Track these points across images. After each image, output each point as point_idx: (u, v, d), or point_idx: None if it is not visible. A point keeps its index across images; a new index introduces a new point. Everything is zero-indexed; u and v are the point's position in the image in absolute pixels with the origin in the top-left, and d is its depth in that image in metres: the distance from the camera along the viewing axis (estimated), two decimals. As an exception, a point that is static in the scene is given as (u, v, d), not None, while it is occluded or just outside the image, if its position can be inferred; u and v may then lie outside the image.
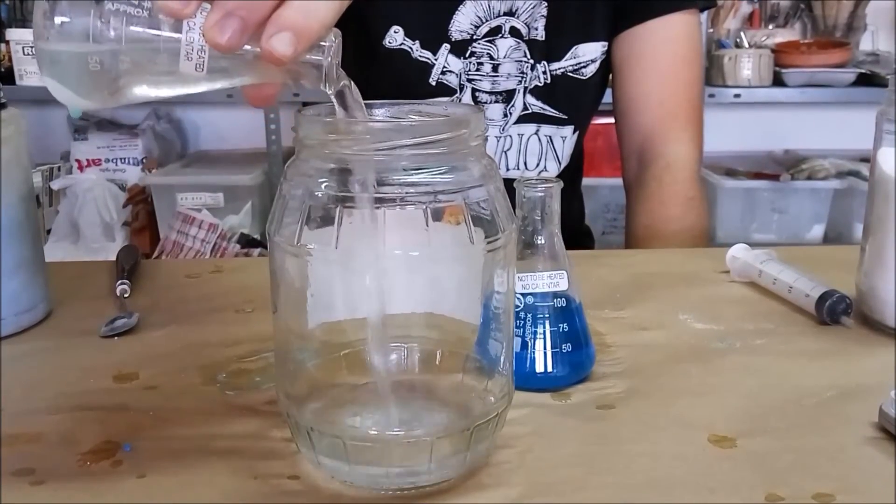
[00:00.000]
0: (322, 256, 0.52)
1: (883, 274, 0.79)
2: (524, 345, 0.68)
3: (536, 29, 1.23)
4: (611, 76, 1.34)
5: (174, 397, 0.68)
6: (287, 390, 0.57)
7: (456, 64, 1.23)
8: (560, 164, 1.32)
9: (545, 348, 0.68)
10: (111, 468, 0.58)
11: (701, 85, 1.38)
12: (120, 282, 0.91)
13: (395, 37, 1.23)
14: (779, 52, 2.77)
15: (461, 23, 1.22)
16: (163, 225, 2.68)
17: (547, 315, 0.68)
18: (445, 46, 1.23)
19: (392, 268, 0.53)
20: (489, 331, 0.57)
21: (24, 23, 2.83)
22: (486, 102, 1.25)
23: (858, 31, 2.90)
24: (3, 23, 2.88)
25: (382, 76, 1.24)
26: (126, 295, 0.89)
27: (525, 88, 1.25)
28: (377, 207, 0.51)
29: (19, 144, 0.81)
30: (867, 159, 0.83)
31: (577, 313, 0.70)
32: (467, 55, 1.23)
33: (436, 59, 1.23)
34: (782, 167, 2.75)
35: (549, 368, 0.68)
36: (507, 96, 1.25)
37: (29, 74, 2.77)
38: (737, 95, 2.69)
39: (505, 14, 1.22)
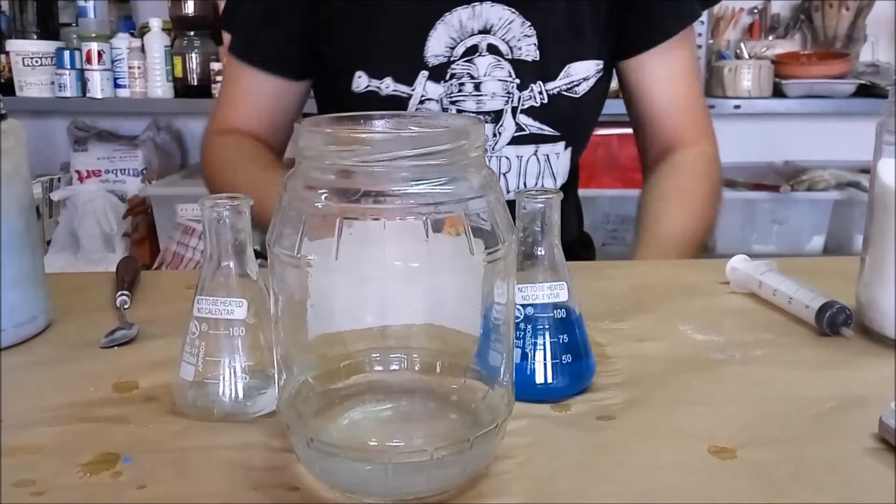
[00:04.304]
0: (322, 267, 0.52)
1: (883, 285, 0.79)
2: (524, 356, 0.68)
3: (520, 48, 1.23)
4: (622, 94, 1.37)
5: (174, 408, 0.68)
6: (287, 401, 0.57)
7: (436, 90, 1.23)
8: (556, 180, 1.32)
9: (545, 359, 0.68)
10: (111, 479, 0.57)
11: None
12: (120, 293, 0.91)
13: (360, 81, 1.23)
14: (779, 62, 2.78)
15: (435, 48, 1.22)
16: (163, 236, 2.68)
17: (547, 326, 0.68)
18: (423, 74, 1.22)
19: (392, 279, 0.53)
20: (489, 342, 0.57)
21: (23, 34, 2.83)
22: None
23: (858, 42, 2.91)
24: (3, 34, 2.89)
25: None
26: (126, 306, 0.89)
27: (514, 108, 1.25)
28: (377, 219, 0.51)
29: (19, 155, 0.81)
30: (867, 170, 0.83)
31: (577, 324, 0.70)
32: (447, 78, 1.23)
33: (412, 90, 1.23)
34: (782, 178, 2.76)
35: (549, 379, 0.68)
36: (496, 116, 1.25)
37: (29, 85, 2.77)
38: (737, 106, 2.70)
39: (480, 32, 1.22)
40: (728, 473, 0.58)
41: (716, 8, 2.93)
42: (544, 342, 0.68)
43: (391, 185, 0.51)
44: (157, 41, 2.74)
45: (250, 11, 1.29)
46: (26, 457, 0.60)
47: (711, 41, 2.88)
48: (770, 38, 2.99)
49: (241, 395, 0.66)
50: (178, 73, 2.77)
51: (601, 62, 1.28)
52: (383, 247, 0.51)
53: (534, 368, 0.68)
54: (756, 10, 3.03)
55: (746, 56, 2.85)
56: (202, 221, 0.67)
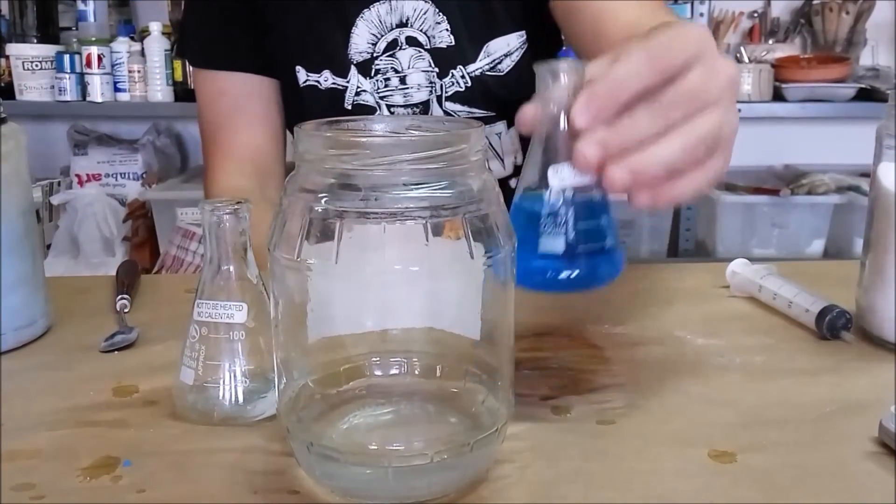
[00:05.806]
0: (322, 271, 0.52)
1: (883, 289, 0.79)
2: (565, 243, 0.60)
3: (434, 37, 1.23)
4: (566, 35, 1.23)
5: (174, 412, 0.68)
6: (287, 405, 0.57)
7: (366, 84, 1.24)
8: (503, 160, 1.30)
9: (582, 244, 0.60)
10: (111, 483, 0.57)
11: None
12: (120, 297, 0.91)
13: (299, 76, 1.25)
14: (779, 66, 2.78)
15: (358, 44, 1.23)
16: (163, 240, 2.68)
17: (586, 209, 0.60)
18: (353, 69, 1.24)
19: (392, 282, 0.53)
20: (489, 345, 0.57)
21: (23, 38, 2.84)
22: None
23: (858, 46, 2.91)
24: (2, 38, 2.89)
25: (305, 112, 1.25)
26: (126, 310, 0.90)
27: (439, 97, 1.24)
28: (377, 222, 0.51)
29: (19, 159, 0.81)
30: (867, 174, 0.83)
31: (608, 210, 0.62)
32: (373, 74, 1.24)
33: (347, 82, 1.24)
34: (782, 182, 2.75)
35: (584, 269, 0.60)
36: (424, 107, 1.25)
37: (29, 89, 2.78)
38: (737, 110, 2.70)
39: (397, 26, 1.22)
40: (728, 478, 0.58)
41: (716, 11, 2.94)
42: (584, 227, 0.60)
43: (391, 188, 0.51)
44: (157, 45, 2.74)
45: (202, 26, 1.30)
46: (26, 461, 0.60)
47: (711, 45, 2.87)
48: (770, 41, 2.99)
49: (241, 398, 0.66)
50: (178, 76, 2.77)
51: (524, 32, 1.25)
52: (383, 250, 0.51)
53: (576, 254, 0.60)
54: (756, 14, 3.03)
55: (746, 60, 2.85)
56: (202, 225, 0.67)
